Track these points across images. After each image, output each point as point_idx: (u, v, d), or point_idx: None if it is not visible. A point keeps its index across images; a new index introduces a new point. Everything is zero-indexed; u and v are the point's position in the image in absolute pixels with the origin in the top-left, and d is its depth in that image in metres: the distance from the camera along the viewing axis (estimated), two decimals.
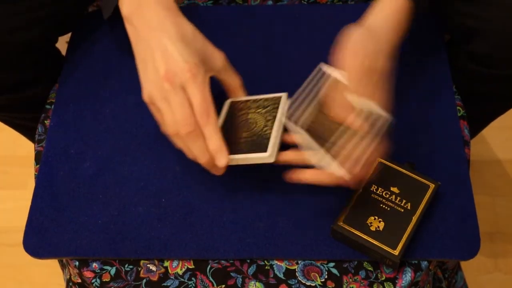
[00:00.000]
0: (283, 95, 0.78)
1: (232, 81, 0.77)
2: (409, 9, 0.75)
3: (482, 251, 0.74)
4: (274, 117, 0.75)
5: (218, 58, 0.74)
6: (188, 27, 0.73)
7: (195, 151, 0.70)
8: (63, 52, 0.94)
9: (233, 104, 0.79)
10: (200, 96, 0.69)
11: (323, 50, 0.88)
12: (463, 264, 1.09)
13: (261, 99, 0.78)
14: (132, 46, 0.75)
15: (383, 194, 0.74)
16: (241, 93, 0.79)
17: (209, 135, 0.69)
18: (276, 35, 0.90)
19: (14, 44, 0.83)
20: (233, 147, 0.73)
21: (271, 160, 0.71)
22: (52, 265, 1.23)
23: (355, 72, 0.70)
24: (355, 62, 0.70)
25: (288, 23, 0.91)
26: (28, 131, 1.03)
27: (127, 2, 0.74)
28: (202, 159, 0.70)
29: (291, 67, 0.87)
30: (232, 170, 0.78)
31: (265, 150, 0.71)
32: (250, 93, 0.80)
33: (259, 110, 0.77)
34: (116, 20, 0.81)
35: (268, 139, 0.72)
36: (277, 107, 0.76)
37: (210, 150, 0.69)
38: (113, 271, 0.74)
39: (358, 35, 0.72)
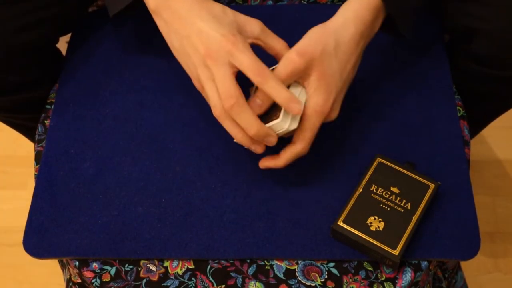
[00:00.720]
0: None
1: (276, 43, 0.76)
2: (377, 8, 0.74)
3: (482, 251, 0.74)
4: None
5: (254, 24, 0.74)
6: (216, 5, 0.73)
7: (242, 122, 0.69)
8: (63, 52, 0.94)
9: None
10: (247, 58, 0.68)
11: None
12: (463, 264, 1.09)
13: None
14: (166, 40, 0.75)
15: (383, 194, 0.74)
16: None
17: (273, 90, 0.69)
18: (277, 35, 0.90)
19: (16, 45, 0.83)
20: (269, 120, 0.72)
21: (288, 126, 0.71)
22: (52, 265, 1.24)
23: (284, 60, 0.71)
24: (288, 53, 0.71)
25: (288, 23, 0.91)
26: (28, 131, 1.03)
27: None
28: (251, 130, 0.69)
29: None
30: (232, 170, 0.78)
31: (277, 117, 0.71)
32: (247, 96, 0.79)
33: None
34: (117, 19, 0.81)
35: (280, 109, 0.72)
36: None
37: (281, 103, 0.69)
38: (113, 271, 0.74)
39: (311, 32, 0.72)
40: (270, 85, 0.69)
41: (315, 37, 0.72)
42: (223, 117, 0.70)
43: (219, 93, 0.69)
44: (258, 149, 0.72)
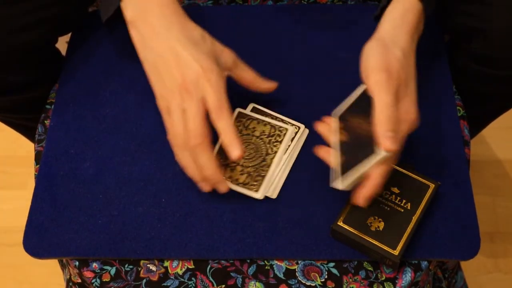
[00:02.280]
0: (290, 129, 0.79)
1: (246, 74, 0.77)
2: (420, 9, 0.75)
3: (482, 251, 0.74)
4: (275, 152, 0.76)
5: (227, 55, 0.74)
6: (195, 29, 0.73)
7: (202, 162, 0.70)
8: (63, 52, 0.94)
9: (240, 116, 0.80)
10: (214, 95, 0.69)
11: (323, 50, 0.89)
12: (463, 264, 1.09)
13: (267, 123, 0.79)
14: (138, 53, 0.74)
15: (383, 194, 0.74)
16: (260, 84, 0.78)
17: (222, 128, 0.69)
18: (276, 35, 0.90)
19: (15, 45, 0.83)
20: (230, 172, 0.76)
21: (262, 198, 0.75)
22: (52, 265, 1.23)
23: (380, 86, 0.69)
24: (379, 76, 0.69)
25: (288, 23, 0.91)
26: (28, 131, 1.03)
27: (131, 7, 0.74)
28: (207, 171, 0.71)
29: (291, 67, 0.87)
30: None
31: (257, 190, 0.75)
32: (249, 94, 0.79)
33: (262, 137, 0.78)
34: (115, 21, 0.80)
35: (263, 177, 0.75)
36: (281, 141, 0.77)
37: (225, 142, 0.69)
38: (113, 271, 0.74)
39: (375, 48, 0.71)
40: (221, 123, 0.69)
41: (383, 52, 0.71)
42: (181, 149, 0.71)
43: (186, 127, 0.69)
44: (205, 187, 0.74)
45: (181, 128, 0.70)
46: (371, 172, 0.69)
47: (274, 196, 0.76)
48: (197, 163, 0.71)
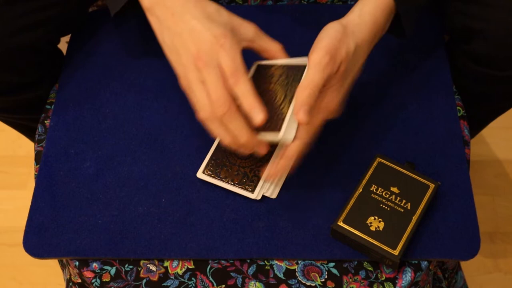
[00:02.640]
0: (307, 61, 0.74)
1: (270, 45, 0.75)
2: (391, 8, 0.74)
3: (482, 251, 0.74)
4: (293, 92, 0.72)
5: (248, 27, 0.73)
6: (211, 5, 0.72)
7: (234, 130, 0.68)
8: (64, 52, 0.94)
9: (259, 69, 0.77)
10: (229, 59, 0.67)
11: None
12: (463, 264, 1.09)
13: (285, 66, 0.76)
14: (158, 37, 0.73)
15: (383, 194, 0.74)
16: (283, 56, 0.77)
17: (241, 93, 0.67)
18: (276, 35, 0.90)
19: (18, 46, 0.82)
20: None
21: (287, 140, 0.71)
22: (52, 265, 1.24)
23: (318, 66, 0.69)
24: (321, 56, 0.70)
25: (288, 23, 0.91)
26: (29, 131, 1.03)
27: None
28: (241, 139, 0.69)
29: None
30: None
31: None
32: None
33: (281, 80, 0.75)
34: (117, 19, 0.81)
35: (283, 119, 0.71)
36: (299, 79, 0.73)
37: (245, 107, 0.68)
38: (113, 271, 0.74)
39: (333, 30, 0.71)
40: (239, 87, 0.68)
41: (339, 38, 0.71)
42: (210, 120, 0.70)
43: (210, 98, 0.68)
44: (245, 151, 0.72)
45: (205, 100, 0.69)
46: (283, 153, 0.71)
47: (273, 196, 0.76)
48: (229, 132, 0.69)
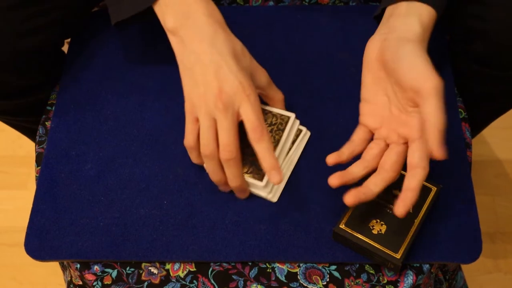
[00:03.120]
0: (292, 116, 0.78)
1: (276, 95, 0.78)
2: (435, 18, 0.73)
3: (482, 251, 0.74)
4: (278, 140, 0.76)
5: (262, 74, 0.75)
6: (238, 43, 0.73)
7: (230, 175, 0.72)
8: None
9: None
10: (253, 114, 0.70)
11: (325, 51, 0.89)
12: (463, 264, 1.09)
13: (269, 113, 0.79)
14: (177, 56, 0.73)
15: (385, 197, 0.74)
16: (281, 107, 0.79)
17: (263, 151, 0.70)
18: (278, 36, 0.90)
19: (22, 49, 0.82)
20: None
21: (267, 191, 0.76)
22: (52, 265, 1.23)
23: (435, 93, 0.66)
24: (436, 82, 0.66)
25: (289, 24, 0.91)
26: (31, 133, 1.03)
27: (173, 15, 0.72)
28: (232, 183, 0.73)
29: (292, 68, 0.87)
30: None
31: (261, 179, 0.75)
32: None
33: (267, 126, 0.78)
34: (129, 23, 0.80)
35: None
36: (283, 129, 0.77)
37: (265, 167, 0.70)
38: (114, 273, 0.73)
39: (418, 51, 0.69)
40: (262, 145, 0.70)
41: (426, 58, 0.68)
42: (210, 158, 0.72)
43: (219, 140, 0.70)
44: (225, 189, 0.76)
45: (210, 140, 0.71)
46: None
47: (274, 200, 0.76)
48: (226, 174, 0.73)
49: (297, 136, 0.79)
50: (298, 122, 0.79)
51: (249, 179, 0.75)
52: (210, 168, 0.73)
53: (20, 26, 0.81)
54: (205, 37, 0.71)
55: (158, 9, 0.74)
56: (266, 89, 0.76)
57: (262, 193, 0.75)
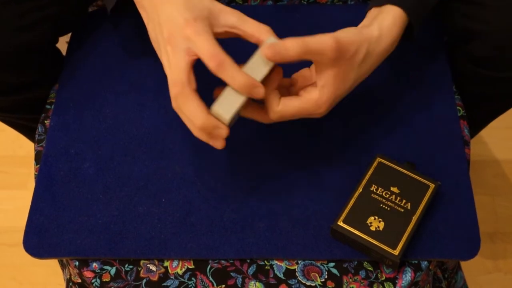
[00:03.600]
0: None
1: (256, 29, 0.70)
2: (404, 23, 0.74)
3: (482, 251, 0.74)
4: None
5: (229, 13, 0.70)
6: None
7: (188, 114, 0.66)
8: (63, 52, 0.94)
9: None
10: (206, 44, 0.65)
11: None
12: (463, 264, 1.09)
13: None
14: (148, 30, 0.72)
15: (383, 194, 0.74)
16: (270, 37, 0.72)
17: (230, 76, 0.65)
18: (277, 36, 0.90)
19: (16, 45, 0.82)
20: None
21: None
22: (52, 265, 1.24)
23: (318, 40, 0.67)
24: (327, 39, 0.67)
25: (288, 23, 0.91)
26: (29, 132, 1.03)
27: None
28: (197, 122, 0.66)
29: (291, 67, 0.87)
30: (233, 169, 0.78)
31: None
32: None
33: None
34: (117, 19, 0.81)
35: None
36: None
37: (242, 91, 0.65)
38: (113, 271, 0.74)
39: (354, 34, 0.70)
40: (226, 72, 0.64)
41: (354, 38, 0.69)
42: (176, 109, 0.68)
43: (170, 78, 0.66)
44: (216, 144, 0.68)
45: (168, 80, 0.67)
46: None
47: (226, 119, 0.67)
48: (187, 117, 0.67)
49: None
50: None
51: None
52: (183, 120, 0.69)
53: (15, 22, 0.81)
54: (160, 1, 0.69)
55: None
56: (238, 26, 0.70)
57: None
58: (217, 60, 0.65)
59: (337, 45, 0.67)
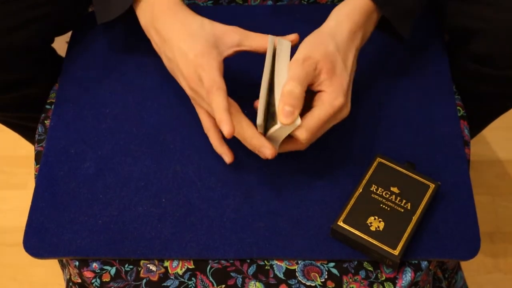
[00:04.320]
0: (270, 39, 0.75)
1: (259, 42, 0.76)
2: (369, 9, 0.76)
3: (482, 251, 0.74)
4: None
5: (232, 33, 0.75)
6: (195, 21, 0.75)
7: (244, 138, 0.73)
8: (63, 52, 0.94)
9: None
10: (207, 78, 0.71)
11: None
12: (463, 264, 1.09)
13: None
14: (161, 56, 0.79)
15: (383, 194, 0.74)
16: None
17: (214, 108, 0.70)
18: (276, 35, 0.90)
19: (11, 43, 0.83)
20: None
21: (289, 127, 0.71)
22: (52, 265, 1.24)
23: (295, 63, 0.71)
24: (298, 57, 0.72)
25: (288, 23, 0.91)
26: (27, 132, 1.03)
27: (143, 14, 0.78)
28: (249, 143, 0.73)
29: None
30: (233, 170, 0.78)
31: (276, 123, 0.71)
32: (249, 95, 0.79)
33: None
34: (117, 18, 0.81)
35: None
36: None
37: (216, 120, 0.70)
38: (113, 271, 0.74)
39: (310, 40, 0.74)
40: (213, 104, 0.70)
41: (313, 42, 0.73)
42: (211, 132, 0.76)
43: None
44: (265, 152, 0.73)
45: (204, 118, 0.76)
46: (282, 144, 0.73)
47: (299, 121, 0.71)
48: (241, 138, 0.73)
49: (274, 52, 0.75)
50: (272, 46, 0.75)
51: (270, 132, 0.71)
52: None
53: (7, 21, 0.81)
54: (165, 34, 0.75)
55: (138, 10, 0.79)
56: (243, 42, 0.75)
57: (286, 131, 0.71)
58: (210, 93, 0.71)
59: (306, 61, 0.71)
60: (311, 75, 0.71)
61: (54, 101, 0.87)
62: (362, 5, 0.75)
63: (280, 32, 0.90)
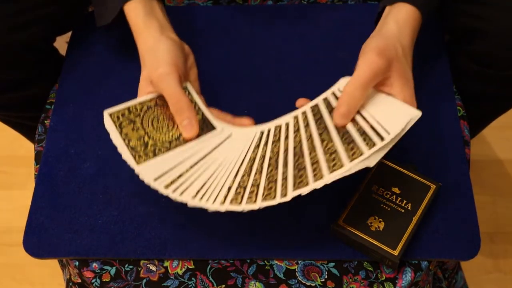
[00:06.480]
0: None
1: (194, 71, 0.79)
2: (419, 18, 0.76)
3: (482, 251, 0.74)
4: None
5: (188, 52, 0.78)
6: (162, 47, 0.76)
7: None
8: (63, 52, 0.94)
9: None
10: (170, 96, 0.72)
11: (323, 49, 0.89)
12: (463, 264, 1.09)
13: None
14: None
15: (384, 194, 0.74)
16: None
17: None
18: (276, 35, 0.90)
19: (12, 43, 0.83)
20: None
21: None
22: (52, 265, 1.23)
23: (368, 63, 0.70)
24: (372, 57, 0.70)
25: (288, 23, 0.91)
26: (28, 131, 1.03)
27: (133, 21, 0.79)
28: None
29: (291, 67, 0.87)
30: None
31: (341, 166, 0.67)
32: (248, 95, 0.79)
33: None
34: (115, 22, 0.81)
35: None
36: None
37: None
38: (113, 271, 0.74)
39: (377, 39, 0.72)
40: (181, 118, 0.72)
41: (388, 42, 0.72)
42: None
43: None
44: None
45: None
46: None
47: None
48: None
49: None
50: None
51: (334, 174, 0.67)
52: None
53: (9, 21, 0.81)
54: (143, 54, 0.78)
55: (129, 11, 0.79)
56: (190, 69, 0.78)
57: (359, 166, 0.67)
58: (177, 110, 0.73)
59: (382, 56, 0.69)
60: (382, 72, 0.70)
61: (54, 101, 0.87)
62: (414, 14, 0.75)
63: (280, 32, 0.91)
